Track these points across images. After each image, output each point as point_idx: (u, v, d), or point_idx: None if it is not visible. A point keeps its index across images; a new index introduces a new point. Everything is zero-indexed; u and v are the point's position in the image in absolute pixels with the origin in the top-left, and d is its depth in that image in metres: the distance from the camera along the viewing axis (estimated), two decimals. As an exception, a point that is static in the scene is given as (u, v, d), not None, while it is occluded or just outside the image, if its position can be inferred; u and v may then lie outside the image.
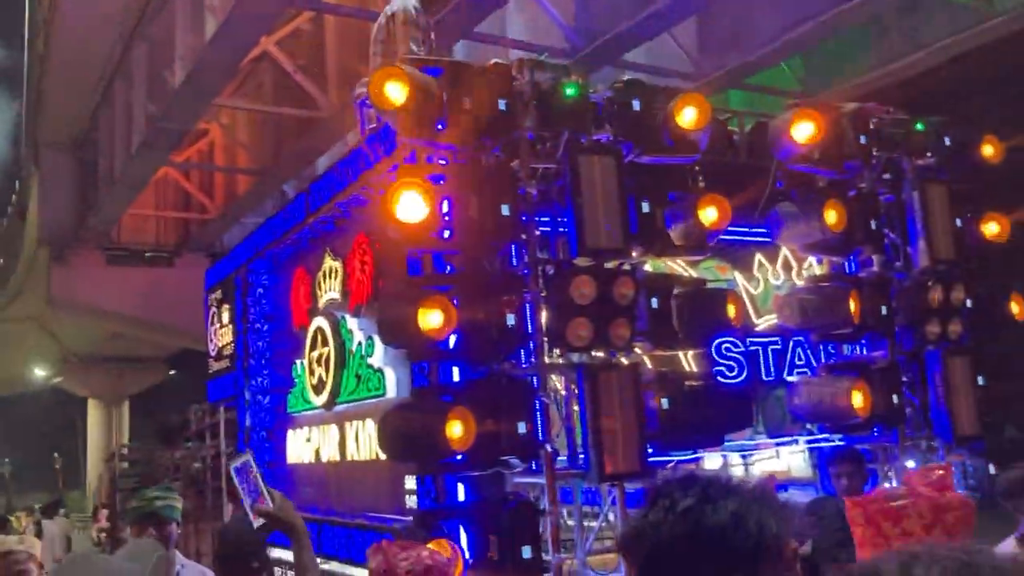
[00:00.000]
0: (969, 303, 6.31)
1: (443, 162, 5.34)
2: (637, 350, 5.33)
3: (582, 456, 5.01)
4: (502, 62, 5.09)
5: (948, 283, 6.17)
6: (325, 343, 7.60)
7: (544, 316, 4.93)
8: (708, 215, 5.33)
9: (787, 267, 6.82)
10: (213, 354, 10.29)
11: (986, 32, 10.39)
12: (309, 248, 8.33)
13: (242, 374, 9.24)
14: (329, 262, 7.79)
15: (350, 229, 7.47)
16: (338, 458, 7.50)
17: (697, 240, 5.38)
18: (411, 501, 6.35)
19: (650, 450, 4.95)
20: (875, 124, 6.29)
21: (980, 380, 6.17)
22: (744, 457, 7.86)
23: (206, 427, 12.53)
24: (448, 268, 5.49)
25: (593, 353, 5.08)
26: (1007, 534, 4.57)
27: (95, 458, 29.45)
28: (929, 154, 6.45)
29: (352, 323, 7.31)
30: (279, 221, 8.45)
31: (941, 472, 2.76)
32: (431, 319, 4.54)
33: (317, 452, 7.90)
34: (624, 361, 5.14)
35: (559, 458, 5.07)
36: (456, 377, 5.49)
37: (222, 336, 10.06)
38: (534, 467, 5.13)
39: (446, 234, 4.97)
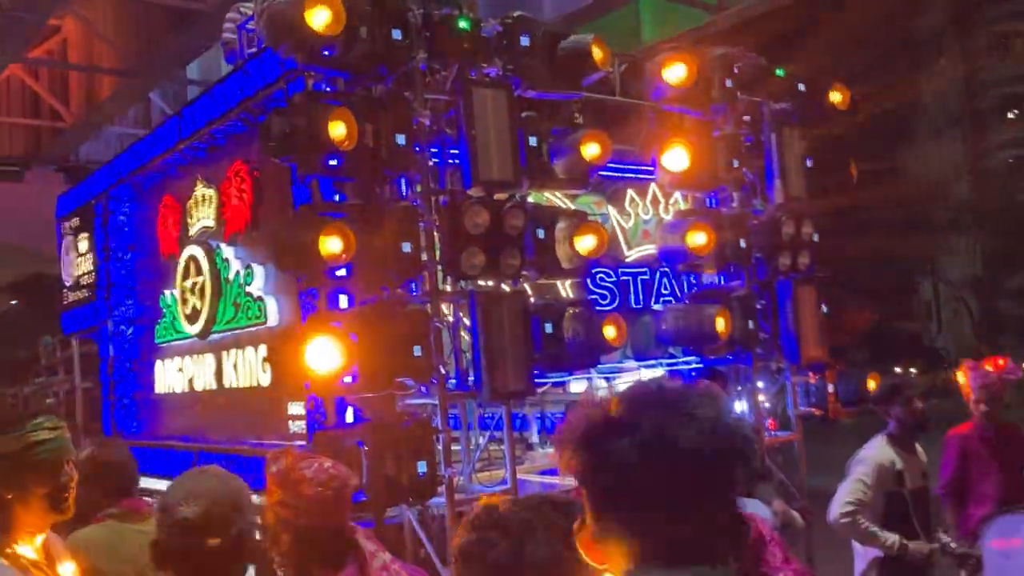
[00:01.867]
0: (816, 238, 6.92)
1: (329, 89, 5.37)
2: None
3: (472, 378, 5.27)
4: (397, -8, 5.13)
5: (799, 219, 6.74)
6: (199, 272, 7.49)
7: (437, 245, 5.11)
8: (590, 150, 5.62)
9: (655, 202, 7.24)
10: (69, 284, 9.89)
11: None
12: (177, 175, 8.12)
13: (104, 305, 8.96)
14: (201, 189, 7.64)
15: (224, 156, 7.34)
16: (214, 387, 7.48)
17: (580, 174, 5.67)
18: (295, 426, 6.47)
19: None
20: (739, 69, 6.71)
21: (824, 308, 6.82)
22: (608, 379, 8.38)
23: (59, 361, 12.01)
24: (337, 196, 5.57)
25: (480, 281, 5.32)
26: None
27: (-82, 397, 27.41)
28: (785, 99, 6.95)
29: (228, 251, 7.24)
30: (145, 146, 8.18)
31: None
32: (331, 245, 4.64)
33: (191, 381, 7.83)
34: (506, 288, 5.40)
35: (448, 381, 5.31)
36: (344, 304, 5.62)
37: (79, 265, 9.67)
38: (423, 390, 5.37)
39: (332, 162, 5.06)
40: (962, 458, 6.11)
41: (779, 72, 6.85)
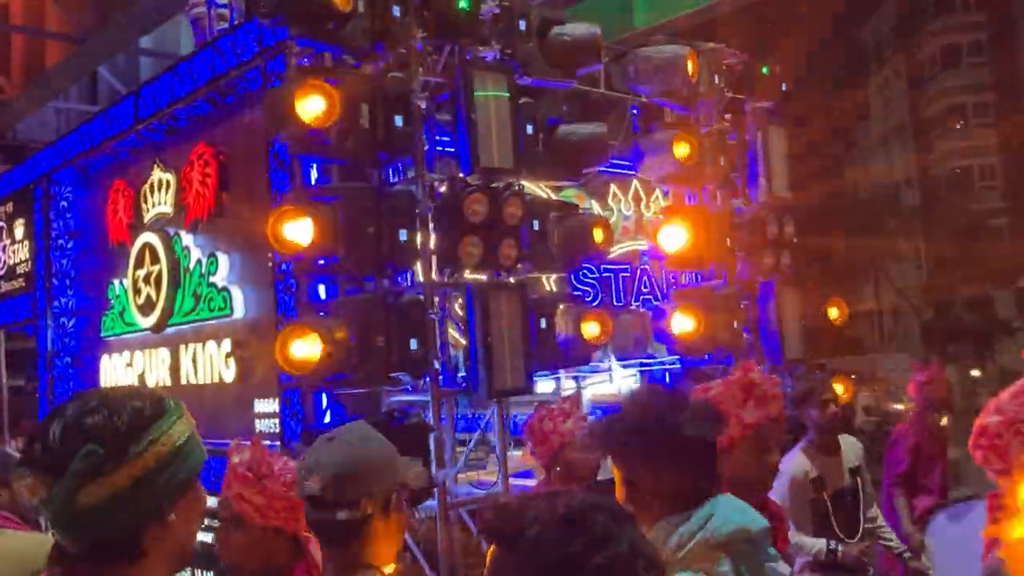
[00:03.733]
0: (795, 239, 6.87)
1: (305, 62, 5.06)
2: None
3: (462, 375, 5.03)
4: (395, -33, 4.86)
5: (782, 219, 6.67)
6: (156, 261, 7.07)
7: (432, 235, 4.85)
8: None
9: (637, 199, 7.10)
10: (2, 273, 9.29)
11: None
12: (131, 158, 7.67)
13: (43, 295, 8.42)
14: (158, 174, 7.21)
15: (185, 138, 6.95)
16: (170, 383, 7.05)
17: (574, 166, 5.49)
18: (262, 424, 6.12)
19: (530, 368, 5.05)
20: (726, 66, 6.62)
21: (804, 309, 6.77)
22: (577, 379, 8.21)
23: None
24: (317, 179, 5.28)
25: (468, 274, 5.07)
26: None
27: None
28: (767, 97, 6.89)
29: (188, 239, 6.84)
30: (95, 127, 7.69)
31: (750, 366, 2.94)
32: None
33: (141, 377, 7.38)
34: (509, 280, 5.17)
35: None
36: (323, 295, 5.32)
37: (14, 253, 9.10)
38: (409, 388, 5.11)
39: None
40: (914, 453, 6.29)
41: (764, 70, 6.78)
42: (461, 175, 4.90)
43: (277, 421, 5.72)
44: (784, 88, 6.94)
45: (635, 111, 6.79)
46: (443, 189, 4.90)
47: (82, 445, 1.47)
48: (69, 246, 8.47)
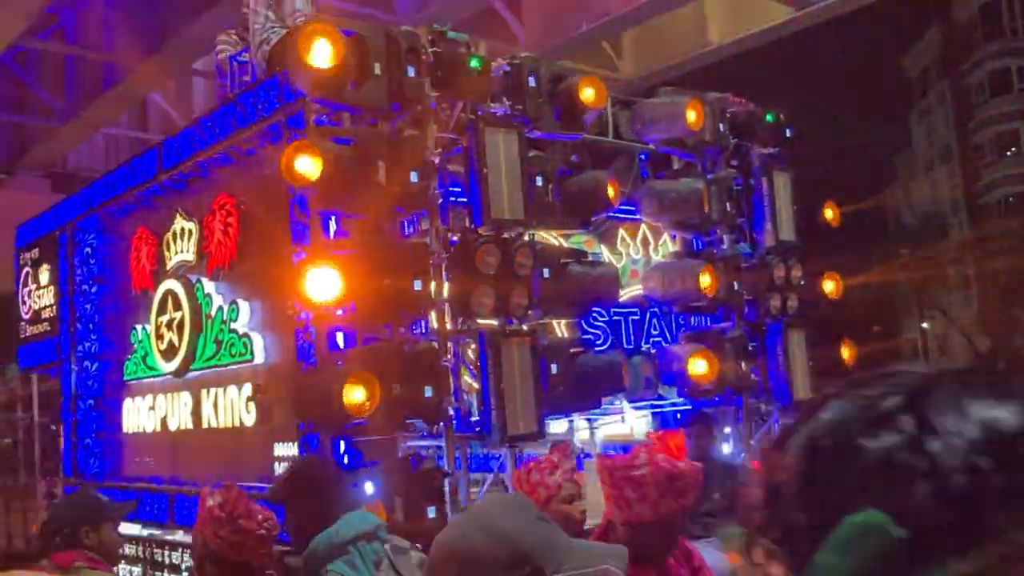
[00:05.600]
0: (802, 281, 7.01)
1: (322, 121, 5.28)
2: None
3: (476, 420, 5.18)
4: (410, 29, 5.10)
5: (788, 262, 6.82)
6: (178, 307, 7.27)
7: (446, 284, 5.03)
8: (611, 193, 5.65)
9: (645, 243, 7.26)
10: (27, 317, 9.52)
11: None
12: (153, 207, 7.90)
13: (67, 339, 8.63)
14: (181, 222, 7.43)
15: (206, 188, 7.17)
16: (191, 426, 7.22)
17: (583, 214, 5.67)
18: (282, 467, 6.27)
19: (541, 413, 5.20)
20: (731, 114, 6.81)
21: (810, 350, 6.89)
22: (590, 421, 8.31)
23: (17, 398, 11.53)
24: (334, 232, 5.47)
25: (481, 321, 5.24)
26: None
27: None
28: (774, 144, 7.07)
29: (210, 287, 7.04)
30: (119, 177, 7.94)
31: (677, 440, 3.02)
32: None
33: (164, 421, 7.56)
34: (521, 328, 5.33)
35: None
36: (341, 343, 5.49)
37: (39, 298, 9.33)
38: (424, 433, 5.25)
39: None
40: None
41: (769, 118, 6.96)
42: (473, 226, 5.09)
43: (296, 465, 5.87)
44: (788, 134, 7.10)
45: (643, 158, 6.97)
46: (456, 239, 5.08)
47: None
48: (93, 291, 8.69)
